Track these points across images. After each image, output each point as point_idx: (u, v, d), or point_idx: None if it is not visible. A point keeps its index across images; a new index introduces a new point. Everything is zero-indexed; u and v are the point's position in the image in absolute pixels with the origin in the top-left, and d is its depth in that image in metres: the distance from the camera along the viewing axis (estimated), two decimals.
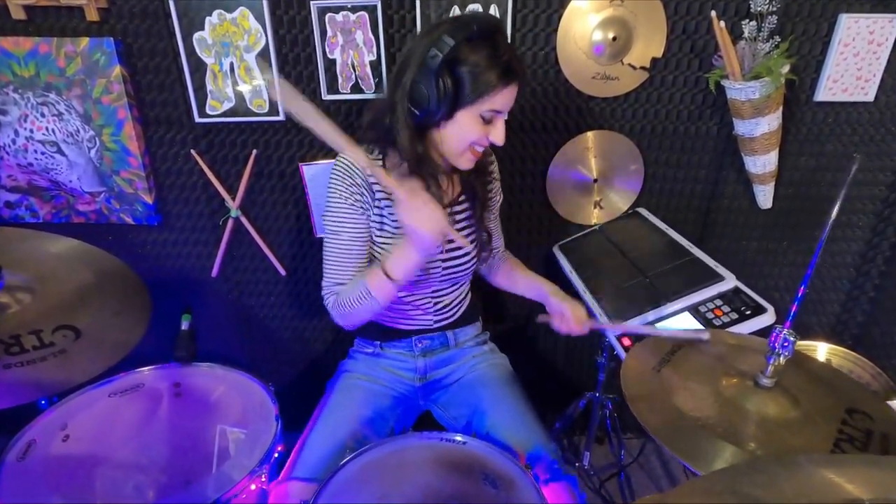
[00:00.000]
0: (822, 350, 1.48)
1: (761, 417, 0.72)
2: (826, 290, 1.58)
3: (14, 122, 1.32)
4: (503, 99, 0.90)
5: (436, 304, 1.14)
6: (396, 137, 0.94)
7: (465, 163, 0.98)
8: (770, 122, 1.25)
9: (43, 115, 1.31)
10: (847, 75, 1.28)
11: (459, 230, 1.08)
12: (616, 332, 1.07)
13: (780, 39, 1.19)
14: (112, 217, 1.43)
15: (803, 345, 1.51)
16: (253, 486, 0.92)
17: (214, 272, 1.51)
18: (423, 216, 0.84)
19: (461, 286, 1.18)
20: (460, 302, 1.19)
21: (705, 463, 0.65)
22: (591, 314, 1.18)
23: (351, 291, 0.99)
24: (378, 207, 1.01)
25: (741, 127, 1.28)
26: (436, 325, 1.16)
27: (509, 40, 1.24)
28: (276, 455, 0.98)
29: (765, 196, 1.40)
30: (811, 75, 1.30)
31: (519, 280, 1.23)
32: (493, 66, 0.87)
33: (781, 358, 0.72)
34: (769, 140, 1.28)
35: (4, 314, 0.96)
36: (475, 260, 1.13)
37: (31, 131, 1.33)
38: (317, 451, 0.99)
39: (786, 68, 1.18)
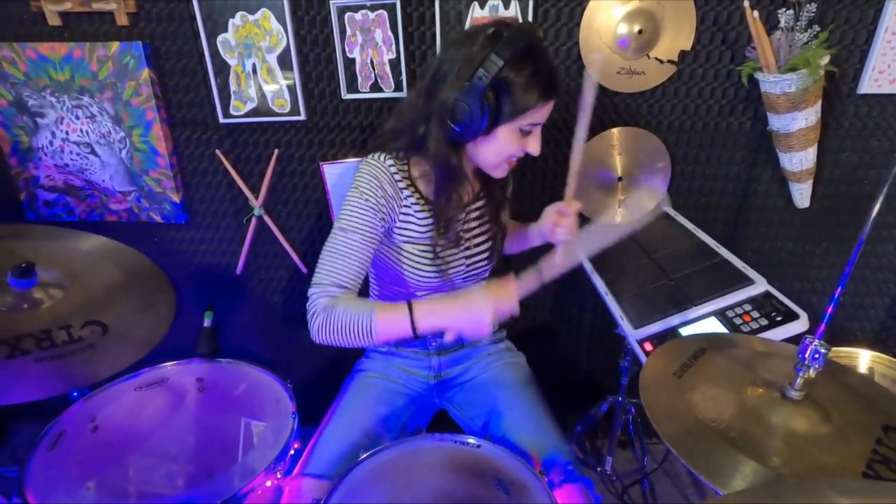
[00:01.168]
0: (864, 358, 1.40)
1: (788, 432, 0.68)
2: (870, 294, 1.49)
3: (51, 125, 1.38)
4: (543, 113, 0.92)
5: None
6: (429, 148, 0.94)
7: (500, 172, 0.99)
8: (808, 117, 1.18)
9: (77, 118, 1.36)
10: (895, 65, 1.19)
11: (476, 227, 1.08)
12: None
13: (819, 29, 1.12)
14: (142, 215, 1.48)
15: (844, 352, 1.43)
16: (269, 483, 0.93)
17: (239, 269, 1.54)
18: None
19: (479, 283, 1.16)
20: None
21: (722, 478, 0.62)
22: (608, 319, 1.15)
23: (350, 310, 0.89)
24: (406, 213, 1.00)
25: (776, 122, 1.22)
26: None
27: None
28: (292, 451, 0.99)
29: (802, 195, 1.33)
30: (854, 66, 1.22)
31: (513, 239, 1.22)
32: (536, 85, 0.87)
33: (812, 370, 0.67)
34: (807, 136, 1.21)
35: (37, 309, 1.01)
36: (494, 257, 1.12)
37: (67, 133, 1.39)
38: (330, 448, 1.00)
39: (825, 59, 1.11)
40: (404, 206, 0.99)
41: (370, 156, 0.99)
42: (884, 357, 1.38)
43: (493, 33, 0.86)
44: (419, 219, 1.00)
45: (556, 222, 1.03)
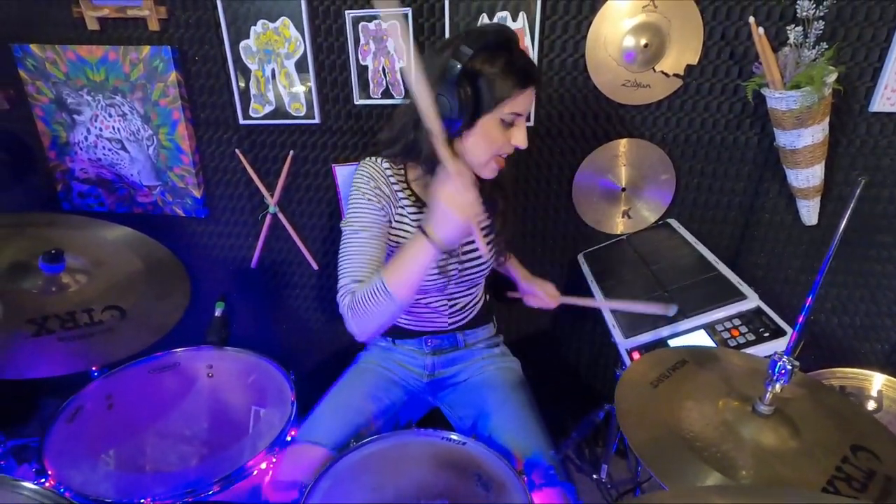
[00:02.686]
0: (877, 381, 1.37)
1: (756, 446, 0.70)
2: (881, 315, 1.45)
3: (87, 122, 1.48)
4: (522, 102, 0.92)
5: (451, 306, 1.17)
6: (421, 150, 0.96)
7: (489, 172, 0.99)
8: (814, 134, 1.17)
9: (110, 116, 1.46)
10: None
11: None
12: (584, 303, 1.20)
13: (826, 46, 1.11)
14: (166, 209, 1.57)
15: (853, 373, 1.40)
16: (264, 465, 0.99)
17: (254, 263, 1.62)
18: (460, 198, 0.80)
19: (476, 288, 1.20)
20: (475, 304, 1.22)
21: (685, 486, 0.64)
22: (606, 327, 1.17)
23: (364, 288, 0.92)
24: (401, 214, 1.04)
25: (783, 138, 1.21)
26: (450, 327, 1.19)
27: (537, 47, 1.25)
28: (288, 438, 1.05)
29: (809, 211, 1.31)
30: (866, 84, 1.21)
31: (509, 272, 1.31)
32: (511, 72, 0.89)
33: (778, 385, 0.69)
34: (813, 153, 1.20)
35: (64, 293, 1.10)
36: (491, 265, 1.15)
37: (101, 129, 1.49)
38: (325, 418, 1.06)
39: (832, 77, 1.10)
40: (399, 207, 1.03)
41: (367, 159, 1.04)
42: (895, 381, 1.35)
43: (469, 31, 0.91)
44: (412, 220, 1.04)
45: (536, 298, 1.22)
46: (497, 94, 0.89)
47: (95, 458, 0.99)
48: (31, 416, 1.87)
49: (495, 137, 0.94)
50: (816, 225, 1.34)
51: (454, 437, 0.99)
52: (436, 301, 1.15)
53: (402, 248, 0.91)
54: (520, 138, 0.95)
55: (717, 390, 0.80)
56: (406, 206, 1.04)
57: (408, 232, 1.04)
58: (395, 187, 1.02)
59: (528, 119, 1.32)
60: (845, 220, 0.65)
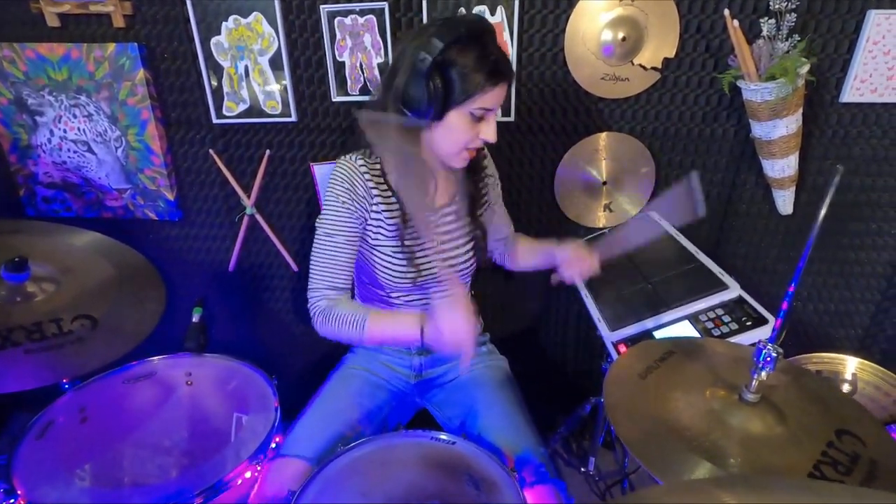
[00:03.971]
0: (850, 365, 1.41)
1: (744, 434, 0.70)
2: (854, 301, 1.49)
3: (49, 123, 1.41)
4: (492, 98, 0.91)
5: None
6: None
7: (460, 162, 0.99)
8: (788, 125, 1.19)
9: (75, 116, 1.40)
10: (876, 75, 1.21)
11: (452, 229, 1.10)
12: (619, 244, 1.13)
13: (799, 38, 1.13)
14: (137, 213, 1.51)
15: (829, 358, 1.44)
16: (248, 474, 0.96)
17: (231, 266, 1.58)
18: (460, 331, 0.87)
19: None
20: None
21: (676, 478, 0.64)
22: (592, 321, 1.17)
23: (347, 314, 0.99)
24: (376, 213, 1.03)
25: (758, 129, 1.23)
26: None
27: (515, 42, 1.25)
28: (273, 444, 1.02)
29: (785, 201, 1.34)
30: (837, 75, 1.23)
31: (531, 255, 1.25)
32: (482, 68, 0.88)
33: (764, 373, 0.69)
34: (788, 143, 1.22)
35: (30, 303, 1.04)
36: (473, 262, 1.14)
37: (65, 131, 1.42)
38: (309, 431, 1.03)
39: (804, 68, 1.12)
40: (373, 206, 1.02)
41: (342, 158, 1.02)
42: (868, 364, 1.38)
43: (444, 21, 0.89)
44: (387, 217, 1.03)
45: (574, 265, 1.09)
46: (467, 89, 0.88)
47: (70, 473, 0.94)
48: None
49: (464, 131, 0.93)
50: (792, 214, 1.37)
51: (443, 436, 0.97)
52: (419, 299, 1.13)
53: (398, 318, 1.02)
54: (489, 133, 0.94)
55: (704, 380, 0.81)
56: (379, 202, 1.02)
57: (384, 230, 1.03)
58: (370, 184, 1.01)
59: (509, 114, 1.32)
60: (824, 208, 0.66)
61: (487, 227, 1.16)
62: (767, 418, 0.72)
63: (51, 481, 0.92)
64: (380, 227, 1.03)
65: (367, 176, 1.00)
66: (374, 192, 1.01)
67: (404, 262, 1.05)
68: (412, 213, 0.99)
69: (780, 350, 0.68)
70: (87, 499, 0.90)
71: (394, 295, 1.10)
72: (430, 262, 1.07)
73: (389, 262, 1.05)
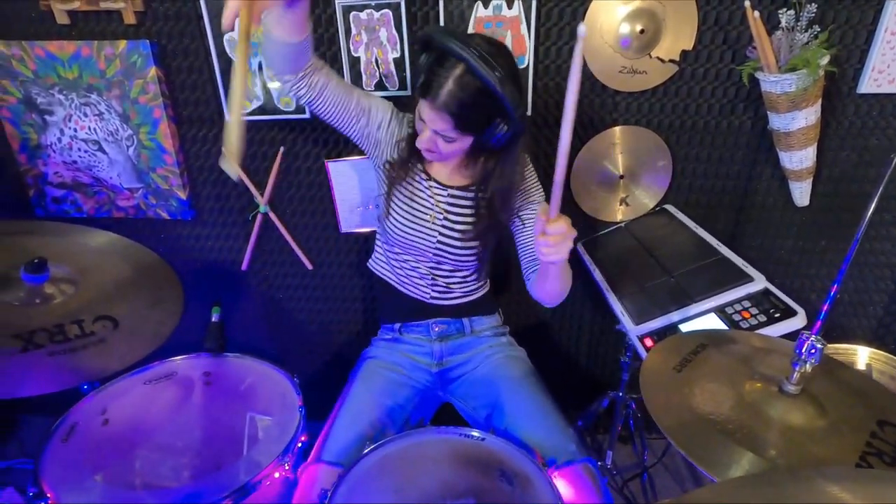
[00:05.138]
0: (862, 355, 1.42)
1: (784, 425, 0.70)
2: (867, 291, 1.50)
3: (60, 122, 1.39)
4: (424, 109, 0.94)
5: (434, 279, 1.17)
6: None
7: (426, 154, 1.03)
8: (808, 116, 1.19)
9: (86, 115, 1.38)
10: (894, 65, 1.21)
11: (458, 208, 1.11)
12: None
13: (819, 29, 1.13)
14: (149, 212, 1.50)
15: (842, 348, 1.44)
16: (277, 474, 0.95)
17: (244, 265, 1.56)
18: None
19: (463, 271, 1.18)
20: (466, 288, 1.20)
21: (720, 468, 0.64)
22: (609, 316, 1.17)
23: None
24: (392, 156, 1.10)
25: (777, 121, 1.23)
26: (433, 302, 1.19)
27: (533, 35, 1.23)
28: (299, 444, 1.01)
29: (801, 193, 1.34)
30: (854, 66, 1.23)
31: (542, 276, 1.07)
32: (423, 76, 0.91)
33: (808, 365, 0.69)
34: (807, 135, 1.22)
35: (49, 304, 1.03)
36: (476, 251, 1.13)
37: (75, 130, 1.40)
38: (341, 437, 1.02)
39: (825, 60, 1.12)
40: (394, 150, 1.10)
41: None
42: (881, 354, 1.39)
43: (455, 28, 0.98)
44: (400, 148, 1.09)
45: (542, 243, 0.85)
46: (416, 86, 0.93)
47: (96, 476, 0.93)
48: (9, 435, 1.78)
49: (418, 127, 0.98)
50: (808, 206, 1.37)
51: (473, 433, 0.97)
52: (414, 263, 1.16)
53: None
54: (419, 140, 0.99)
55: (740, 372, 0.81)
56: (399, 139, 1.09)
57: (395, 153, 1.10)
58: (404, 133, 1.08)
59: (526, 108, 1.31)
60: (875, 200, 0.65)
61: (521, 244, 1.12)
62: (808, 410, 0.72)
63: (79, 484, 0.91)
64: (392, 167, 1.10)
65: (407, 127, 1.08)
66: (402, 144, 1.08)
67: (405, 204, 1.11)
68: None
69: (824, 342, 0.68)
70: (118, 502, 0.89)
71: (395, 251, 1.18)
72: (430, 226, 1.10)
73: (397, 205, 1.12)
